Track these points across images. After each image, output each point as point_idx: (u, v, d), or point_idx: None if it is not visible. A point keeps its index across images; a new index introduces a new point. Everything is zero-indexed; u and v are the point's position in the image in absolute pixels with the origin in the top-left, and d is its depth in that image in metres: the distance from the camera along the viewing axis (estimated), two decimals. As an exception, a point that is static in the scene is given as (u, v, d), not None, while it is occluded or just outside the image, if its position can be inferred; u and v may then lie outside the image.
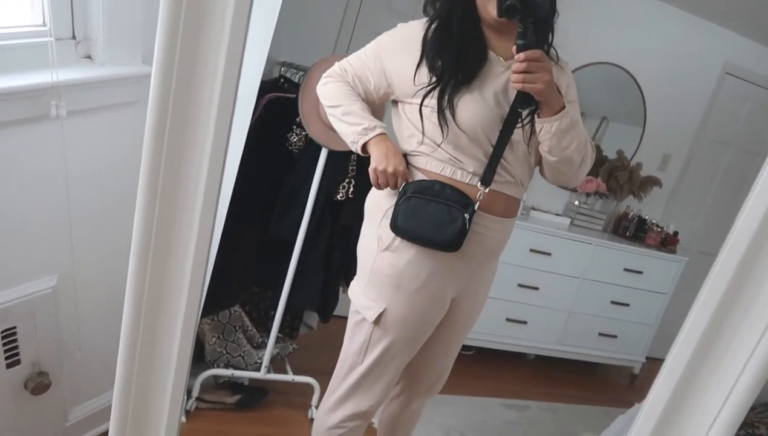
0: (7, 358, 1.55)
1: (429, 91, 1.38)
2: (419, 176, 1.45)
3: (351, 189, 2.31)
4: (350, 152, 2.28)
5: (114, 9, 1.54)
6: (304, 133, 2.24)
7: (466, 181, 1.42)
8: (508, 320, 3.40)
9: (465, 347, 3.36)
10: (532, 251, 3.31)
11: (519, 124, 1.40)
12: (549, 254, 3.35)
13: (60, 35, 1.47)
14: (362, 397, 1.57)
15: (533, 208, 3.57)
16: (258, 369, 2.35)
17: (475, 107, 1.37)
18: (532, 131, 1.42)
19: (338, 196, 2.31)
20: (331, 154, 2.16)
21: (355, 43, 3.04)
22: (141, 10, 1.58)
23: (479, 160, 1.41)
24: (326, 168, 2.18)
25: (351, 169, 2.32)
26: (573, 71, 3.47)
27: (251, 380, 2.43)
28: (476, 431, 2.70)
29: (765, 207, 0.83)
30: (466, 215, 1.38)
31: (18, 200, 1.48)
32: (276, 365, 2.46)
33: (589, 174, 3.70)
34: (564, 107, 1.36)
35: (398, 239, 1.45)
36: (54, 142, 1.48)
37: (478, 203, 1.41)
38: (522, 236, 3.26)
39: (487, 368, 3.42)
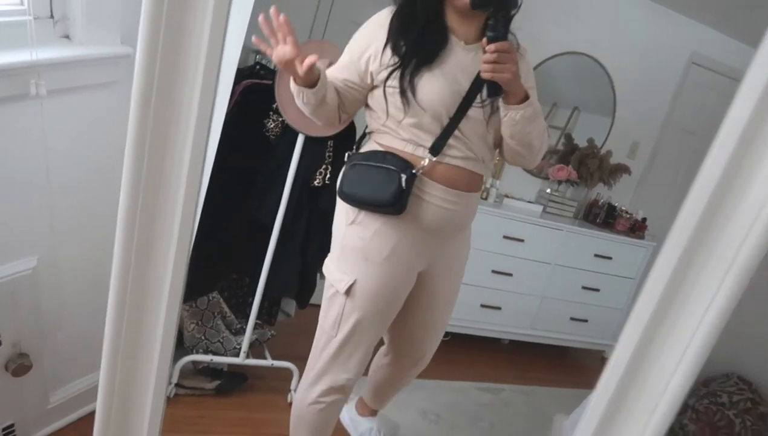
0: (-14, 340, 1.54)
1: (392, 72, 1.44)
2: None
3: (328, 175, 2.33)
4: (327, 138, 2.30)
5: (92, -11, 1.53)
6: (280, 119, 2.25)
7: (426, 157, 1.49)
8: (482, 305, 3.46)
9: (441, 332, 3.43)
10: (505, 237, 3.37)
11: (479, 105, 1.47)
12: (522, 241, 3.41)
13: (38, 14, 1.46)
14: (338, 371, 1.64)
15: (506, 196, 3.62)
16: (237, 355, 2.36)
17: (435, 87, 1.43)
18: (492, 112, 1.49)
19: (315, 182, 2.33)
20: (308, 140, 2.17)
21: (330, 28, 3.04)
22: (120, -10, 1.57)
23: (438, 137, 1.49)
24: (303, 154, 2.19)
25: (328, 156, 2.33)
26: (545, 60, 3.53)
27: (230, 365, 2.44)
28: (452, 413, 2.75)
29: (716, 178, 0.86)
30: (403, 176, 1.45)
31: (-4, 181, 1.47)
32: (254, 350, 2.48)
33: (560, 162, 3.76)
34: (527, 97, 1.43)
35: (363, 213, 1.52)
36: (33, 121, 1.47)
37: (421, 169, 1.47)
38: (495, 222, 3.32)
39: (462, 353, 3.47)
